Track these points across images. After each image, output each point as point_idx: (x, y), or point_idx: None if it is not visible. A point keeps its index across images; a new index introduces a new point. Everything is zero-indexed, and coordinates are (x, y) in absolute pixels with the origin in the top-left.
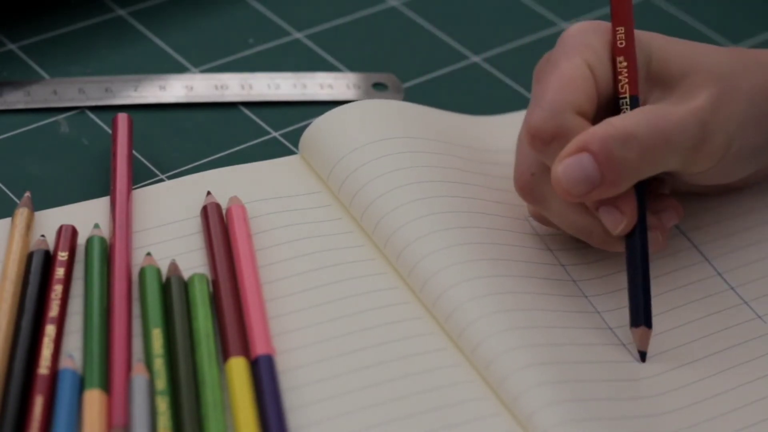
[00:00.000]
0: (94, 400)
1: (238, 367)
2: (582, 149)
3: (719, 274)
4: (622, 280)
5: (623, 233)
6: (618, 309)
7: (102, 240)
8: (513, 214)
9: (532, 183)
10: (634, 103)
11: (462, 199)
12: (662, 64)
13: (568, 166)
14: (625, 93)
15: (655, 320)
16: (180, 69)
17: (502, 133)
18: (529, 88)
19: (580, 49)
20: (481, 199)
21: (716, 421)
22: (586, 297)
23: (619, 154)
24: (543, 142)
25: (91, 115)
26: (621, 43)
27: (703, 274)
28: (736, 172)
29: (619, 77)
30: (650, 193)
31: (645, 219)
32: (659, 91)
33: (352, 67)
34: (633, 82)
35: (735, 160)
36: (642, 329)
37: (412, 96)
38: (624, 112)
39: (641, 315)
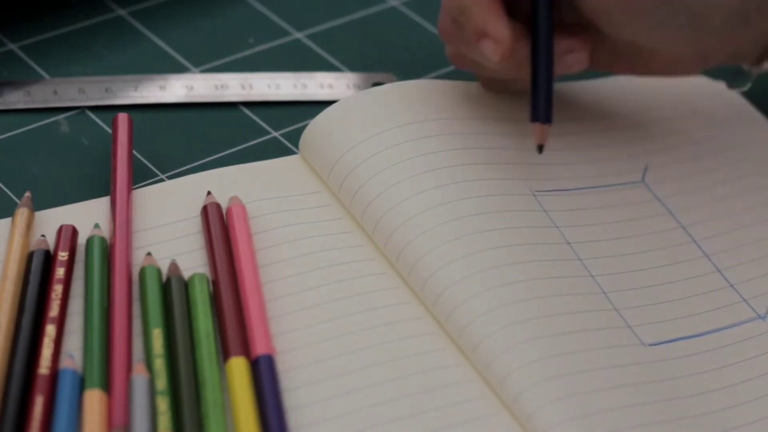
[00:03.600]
0: (94, 400)
1: (238, 367)
2: None
3: (719, 270)
4: (630, 261)
5: (503, 58)
6: (624, 290)
7: (102, 240)
8: (517, 190)
9: (453, 29)
10: None
11: (466, 184)
12: None
13: None
14: None
15: (660, 307)
16: (180, 69)
17: (513, 102)
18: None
19: None
20: (483, 179)
21: (716, 415)
22: (592, 276)
23: None
24: None
25: (91, 115)
26: None
27: (703, 269)
28: (670, 37)
29: None
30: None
31: (550, 23)
32: None
33: (352, 67)
34: None
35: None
36: (538, 125)
37: None
38: None
39: (539, 109)
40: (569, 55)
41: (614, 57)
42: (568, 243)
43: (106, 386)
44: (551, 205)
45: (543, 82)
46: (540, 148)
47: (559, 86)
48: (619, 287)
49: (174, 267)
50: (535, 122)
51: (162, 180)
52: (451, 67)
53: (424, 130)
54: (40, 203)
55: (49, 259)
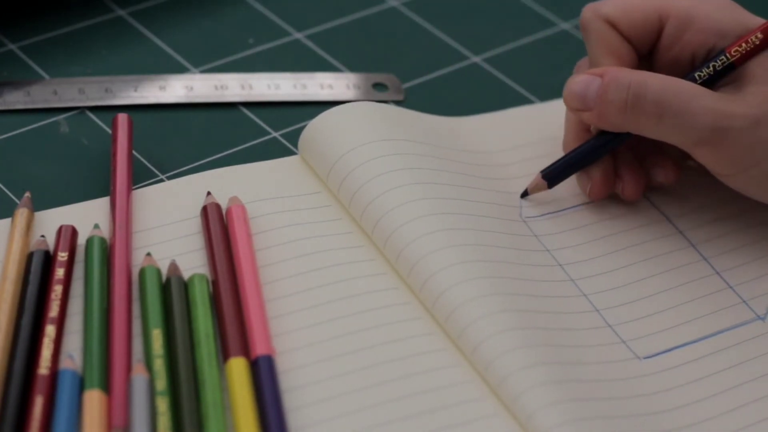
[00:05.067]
0: (94, 400)
1: (238, 367)
2: (601, 74)
3: (717, 273)
4: (621, 277)
5: (590, 197)
6: (618, 306)
7: (102, 240)
8: (511, 216)
9: None
10: (724, 70)
11: (462, 202)
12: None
13: (581, 79)
14: (730, 54)
15: (657, 317)
16: (180, 69)
17: (497, 133)
18: (528, 89)
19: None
20: (480, 202)
21: (716, 420)
22: (585, 296)
23: (612, 96)
24: (581, 27)
25: (91, 115)
26: None
27: (702, 272)
28: (761, 194)
29: (742, 43)
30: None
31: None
32: (732, 82)
33: (352, 67)
34: (746, 55)
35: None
36: (541, 179)
37: (412, 96)
38: (710, 65)
39: (552, 170)
40: (658, 168)
41: None
42: (560, 265)
43: (106, 387)
44: (541, 230)
45: (575, 160)
46: (524, 194)
47: (546, 105)
48: (612, 304)
49: (174, 267)
50: (542, 176)
51: (162, 180)
52: (451, 68)
53: (421, 148)
54: (40, 203)
55: (48, 259)
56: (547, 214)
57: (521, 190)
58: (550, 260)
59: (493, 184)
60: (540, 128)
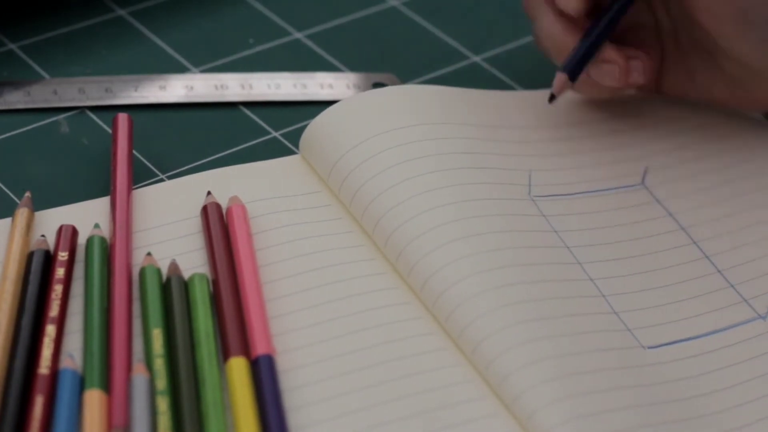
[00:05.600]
0: (94, 400)
1: (238, 367)
2: None
3: (719, 271)
4: (629, 264)
5: (624, 83)
6: (623, 294)
7: (102, 240)
8: (517, 194)
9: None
10: None
11: (462, 187)
12: None
13: None
14: None
15: (660, 310)
16: (180, 69)
17: (513, 108)
18: (528, 89)
19: None
20: (483, 183)
21: (714, 417)
22: (591, 280)
23: None
24: None
25: (91, 115)
26: None
27: (703, 270)
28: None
29: None
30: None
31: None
32: None
33: (352, 67)
34: None
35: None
36: (563, 75)
37: None
38: None
39: (570, 63)
40: (633, 61)
41: (716, 82)
42: (567, 247)
43: (106, 386)
44: (550, 210)
45: (587, 44)
46: (551, 98)
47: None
48: (618, 290)
49: (174, 267)
50: (562, 70)
51: (162, 180)
52: (451, 68)
53: (424, 133)
54: (40, 203)
55: (49, 259)
56: (557, 195)
57: (528, 168)
58: (557, 241)
59: (500, 161)
60: (553, 111)
